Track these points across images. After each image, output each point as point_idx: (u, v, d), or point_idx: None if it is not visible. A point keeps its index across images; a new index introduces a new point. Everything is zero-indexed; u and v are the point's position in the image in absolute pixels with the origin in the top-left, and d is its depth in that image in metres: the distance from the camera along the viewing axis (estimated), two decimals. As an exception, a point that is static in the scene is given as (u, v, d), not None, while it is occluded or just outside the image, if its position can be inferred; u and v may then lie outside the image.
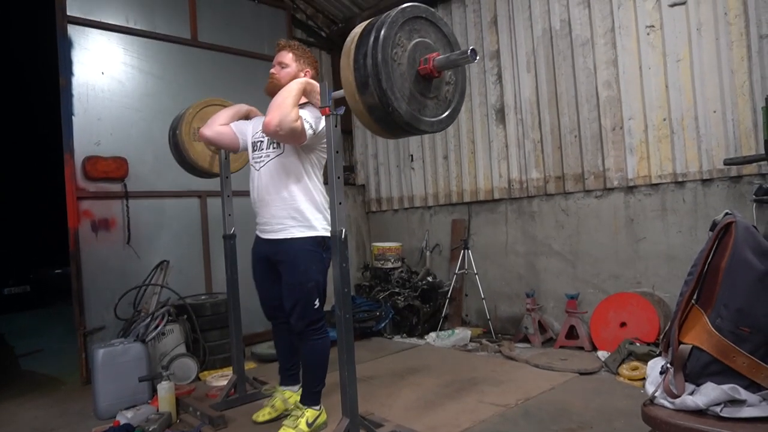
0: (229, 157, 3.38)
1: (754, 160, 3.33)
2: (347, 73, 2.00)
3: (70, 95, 4.18)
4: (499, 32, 4.87)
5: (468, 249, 5.01)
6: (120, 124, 4.42)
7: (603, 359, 3.64)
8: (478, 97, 5.08)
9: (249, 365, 4.17)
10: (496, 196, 4.98)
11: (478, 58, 2.01)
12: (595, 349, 3.95)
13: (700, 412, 1.53)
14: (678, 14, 3.75)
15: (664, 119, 3.86)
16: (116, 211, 4.32)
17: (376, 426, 2.59)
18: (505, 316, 4.93)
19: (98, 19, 4.34)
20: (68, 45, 4.18)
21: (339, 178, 2.40)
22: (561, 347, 4.14)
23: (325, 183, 2.73)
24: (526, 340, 4.43)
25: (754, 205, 3.35)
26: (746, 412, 1.48)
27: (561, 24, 4.41)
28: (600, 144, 4.22)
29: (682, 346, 1.63)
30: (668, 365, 1.67)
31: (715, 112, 3.63)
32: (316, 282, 2.70)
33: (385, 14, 1.99)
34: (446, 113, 2.20)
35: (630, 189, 4.10)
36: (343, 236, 2.39)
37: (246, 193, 4.74)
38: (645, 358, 3.31)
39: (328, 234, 2.58)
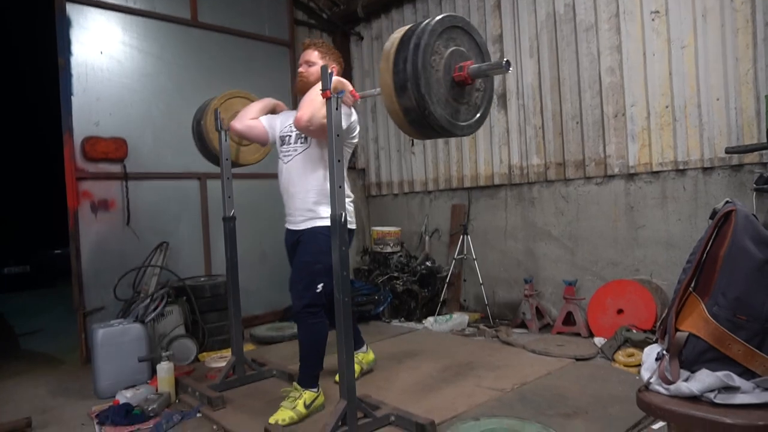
0: (228, 139, 3.37)
1: (755, 149, 3.31)
2: (386, 76, 2.09)
3: (68, 75, 4.15)
4: (503, 16, 4.82)
5: (467, 234, 5.01)
6: (119, 105, 4.40)
7: (599, 345, 3.66)
8: (480, 82, 5.04)
9: (248, 347, 4.20)
10: (497, 181, 4.97)
11: (511, 69, 2.09)
12: (591, 335, 3.98)
13: (694, 399, 1.54)
14: (683, 0, 3.70)
15: (667, 106, 3.84)
16: (116, 192, 4.32)
17: (373, 408, 2.61)
18: (503, 302, 4.95)
19: (97, -2, 4.30)
20: (67, 24, 4.14)
21: (339, 161, 2.40)
22: (558, 333, 4.17)
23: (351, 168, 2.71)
24: (523, 325, 4.46)
25: (755, 194, 3.35)
26: (740, 399, 1.49)
27: (565, 8, 4.36)
28: (602, 131, 4.20)
29: (678, 333, 1.63)
30: (664, 352, 1.68)
31: (718, 99, 3.61)
32: (324, 265, 2.69)
33: (425, 22, 2.08)
34: (475, 118, 2.31)
35: (631, 176, 4.08)
36: (342, 219, 2.39)
37: (246, 176, 4.81)
38: (641, 345, 3.33)
39: (351, 226, 2.79)
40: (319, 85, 2.55)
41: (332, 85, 2.43)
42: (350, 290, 2.46)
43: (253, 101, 3.36)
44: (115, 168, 4.31)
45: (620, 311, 3.84)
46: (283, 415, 2.67)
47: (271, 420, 2.64)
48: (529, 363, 3.49)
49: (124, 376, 3.31)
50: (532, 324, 4.38)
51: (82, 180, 4.15)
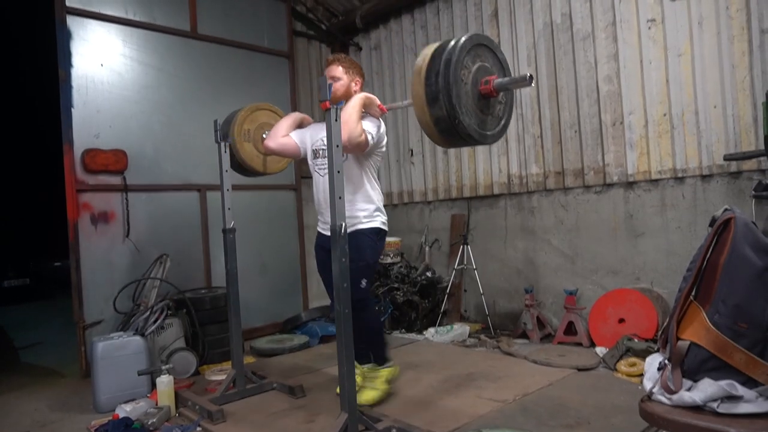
0: (228, 151, 3.39)
1: (753, 156, 3.32)
2: (418, 88, 2.25)
3: (69, 87, 4.16)
4: (500, 26, 4.85)
5: (467, 244, 5.01)
6: (119, 117, 4.41)
7: (601, 355, 3.65)
8: (478, 92, 5.06)
9: (248, 359, 4.18)
10: (496, 191, 4.98)
11: (534, 83, 2.22)
12: (593, 345, 3.96)
13: (697, 408, 1.53)
14: (679, 8, 3.73)
15: (665, 114, 3.85)
16: (115, 204, 4.32)
17: (374, 421, 2.59)
18: (504, 312, 4.94)
19: (97, 10, 4.32)
20: (67, 36, 4.16)
21: (339, 172, 2.41)
22: (559, 343, 4.15)
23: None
24: (524, 335, 4.44)
25: (754, 201, 3.35)
26: (743, 408, 1.48)
27: (562, 17, 4.39)
28: (600, 139, 4.21)
29: (680, 342, 1.63)
30: (666, 361, 1.67)
31: (715, 107, 3.62)
32: (366, 263, 2.97)
33: (455, 40, 2.24)
34: (498, 128, 2.47)
35: (630, 184, 4.09)
36: (342, 230, 2.39)
37: (246, 188, 4.81)
38: (643, 354, 3.32)
39: (385, 227, 3.07)
40: (350, 103, 2.79)
41: (360, 102, 2.76)
42: (350, 302, 2.45)
43: (277, 113, 3.53)
44: (115, 180, 4.31)
45: (621, 320, 3.83)
46: (367, 395, 2.94)
47: (359, 401, 2.74)
48: (531, 373, 3.47)
49: (123, 390, 3.28)
50: (533, 334, 4.36)
51: (82, 192, 4.15)
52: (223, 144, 3.36)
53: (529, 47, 4.64)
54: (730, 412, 1.48)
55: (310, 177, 3.19)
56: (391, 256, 5.43)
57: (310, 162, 3.14)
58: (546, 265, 4.63)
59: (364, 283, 2.96)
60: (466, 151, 5.19)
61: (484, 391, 3.17)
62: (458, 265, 5.02)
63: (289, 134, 3.15)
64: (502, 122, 2.50)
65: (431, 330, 4.72)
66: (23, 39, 8.41)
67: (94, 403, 3.31)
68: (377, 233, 3.04)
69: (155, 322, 3.74)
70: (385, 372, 3.07)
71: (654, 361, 1.75)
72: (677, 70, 3.77)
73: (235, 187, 3.52)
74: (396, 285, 5.11)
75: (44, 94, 6.47)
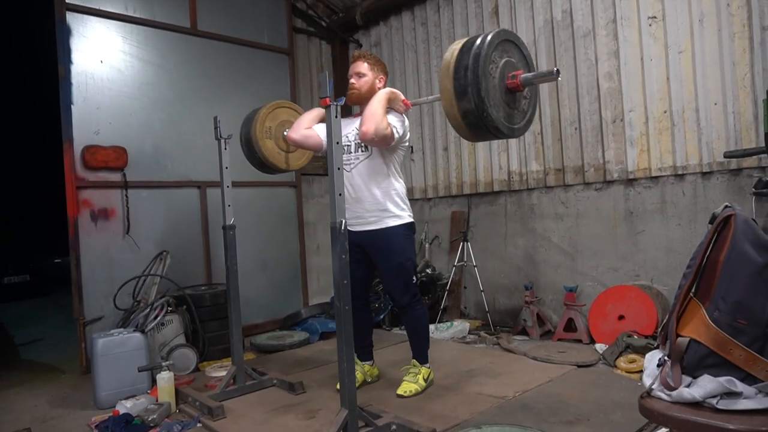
0: (227, 147, 3.39)
1: (754, 153, 3.32)
2: (446, 82, 2.28)
3: (69, 84, 4.15)
4: (500, 22, 4.83)
5: (467, 241, 5.01)
6: (119, 113, 4.40)
7: (601, 352, 3.65)
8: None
9: (248, 356, 4.19)
10: (496, 188, 4.98)
11: (560, 77, 2.22)
12: (593, 341, 3.97)
13: (696, 405, 1.53)
14: (680, 5, 3.72)
15: (665, 111, 3.85)
16: (115, 201, 4.32)
17: (374, 417, 2.60)
18: (504, 309, 4.94)
19: (97, 7, 4.31)
20: (67, 33, 4.15)
21: (339, 169, 2.40)
22: (559, 340, 4.16)
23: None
24: (524, 332, 4.44)
25: (754, 198, 3.35)
26: (742, 405, 1.48)
27: (563, 14, 4.38)
28: (600, 136, 4.20)
29: (679, 338, 1.63)
30: (666, 358, 1.67)
31: (716, 104, 3.62)
32: (412, 260, 3.17)
33: (482, 36, 2.28)
34: (523, 122, 2.51)
35: (630, 182, 4.09)
36: (342, 227, 2.39)
37: (246, 184, 4.81)
38: (643, 351, 3.32)
39: (413, 219, 3.19)
40: (376, 98, 2.88)
41: (386, 97, 2.86)
42: (350, 298, 2.45)
43: (297, 110, 3.58)
44: (115, 177, 4.31)
45: (621, 317, 3.83)
46: (408, 387, 3.10)
47: (399, 392, 3.08)
48: (531, 370, 3.48)
49: (123, 386, 3.28)
50: (533, 331, 4.36)
51: (82, 189, 4.15)
52: (223, 141, 3.36)
53: (530, 44, 4.63)
54: (729, 408, 1.48)
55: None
56: (391, 253, 5.42)
57: None
58: (546, 262, 4.64)
59: (415, 278, 3.16)
60: (466, 148, 5.18)
61: (483, 388, 3.18)
62: (458, 261, 5.02)
63: (311, 127, 3.16)
64: (527, 117, 2.53)
65: (431, 327, 4.72)
66: (23, 36, 8.39)
67: (94, 400, 3.31)
68: (410, 227, 3.18)
69: (155, 318, 3.74)
70: (424, 371, 3.21)
71: (653, 357, 1.75)
72: (678, 67, 3.76)
73: (236, 184, 3.52)
74: (396, 282, 5.11)
75: (44, 91, 6.46)
